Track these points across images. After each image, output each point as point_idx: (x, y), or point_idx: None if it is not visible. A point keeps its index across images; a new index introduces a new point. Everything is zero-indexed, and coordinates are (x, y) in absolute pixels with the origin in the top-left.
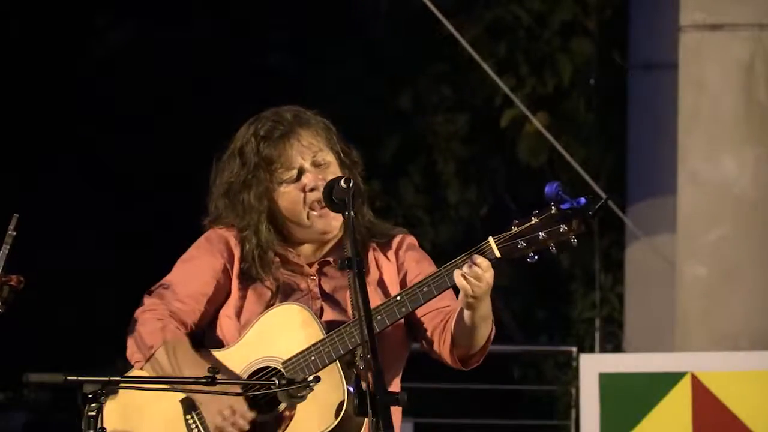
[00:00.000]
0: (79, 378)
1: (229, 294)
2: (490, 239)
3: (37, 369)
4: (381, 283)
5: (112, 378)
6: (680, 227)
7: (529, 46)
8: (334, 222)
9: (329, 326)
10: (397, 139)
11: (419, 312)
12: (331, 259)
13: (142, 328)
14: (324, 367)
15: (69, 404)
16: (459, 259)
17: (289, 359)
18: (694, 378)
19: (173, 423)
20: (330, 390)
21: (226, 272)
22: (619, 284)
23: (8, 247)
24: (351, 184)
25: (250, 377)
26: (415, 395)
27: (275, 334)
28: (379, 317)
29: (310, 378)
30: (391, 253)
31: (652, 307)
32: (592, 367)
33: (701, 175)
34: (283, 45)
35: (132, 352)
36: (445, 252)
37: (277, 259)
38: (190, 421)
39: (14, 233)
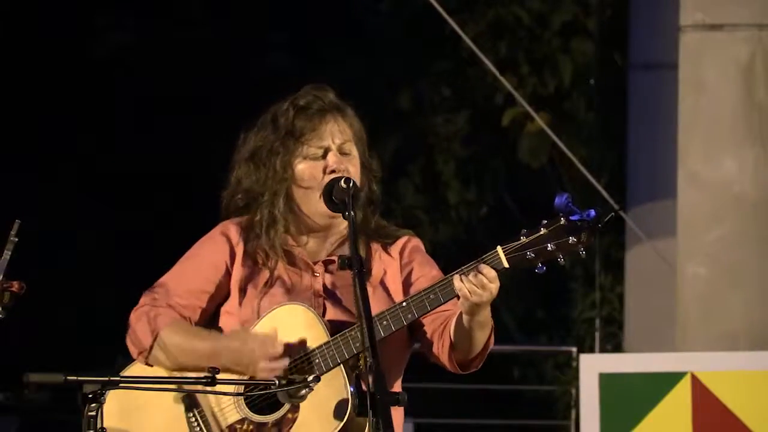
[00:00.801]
0: (79, 378)
1: (229, 292)
2: (499, 249)
3: (37, 369)
4: (383, 283)
5: (112, 378)
6: (680, 227)
7: (529, 46)
8: None
9: (332, 325)
10: (397, 139)
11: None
12: (336, 258)
13: (143, 319)
14: (329, 370)
15: (58, 406)
16: (467, 267)
17: (293, 361)
18: (694, 378)
19: (175, 421)
20: (334, 393)
21: (228, 270)
22: (619, 284)
23: (9, 253)
24: (351, 184)
25: (252, 377)
26: (415, 395)
27: (280, 333)
28: (384, 323)
29: (310, 378)
30: (395, 253)
31: (652, 307)
32: (592, 367)
33: (701, 176)
34: (283, 45)
35: (134, 340)
36: (446, 252)
37: (287, 237)
38: (192, 419)
39: (16, 239)
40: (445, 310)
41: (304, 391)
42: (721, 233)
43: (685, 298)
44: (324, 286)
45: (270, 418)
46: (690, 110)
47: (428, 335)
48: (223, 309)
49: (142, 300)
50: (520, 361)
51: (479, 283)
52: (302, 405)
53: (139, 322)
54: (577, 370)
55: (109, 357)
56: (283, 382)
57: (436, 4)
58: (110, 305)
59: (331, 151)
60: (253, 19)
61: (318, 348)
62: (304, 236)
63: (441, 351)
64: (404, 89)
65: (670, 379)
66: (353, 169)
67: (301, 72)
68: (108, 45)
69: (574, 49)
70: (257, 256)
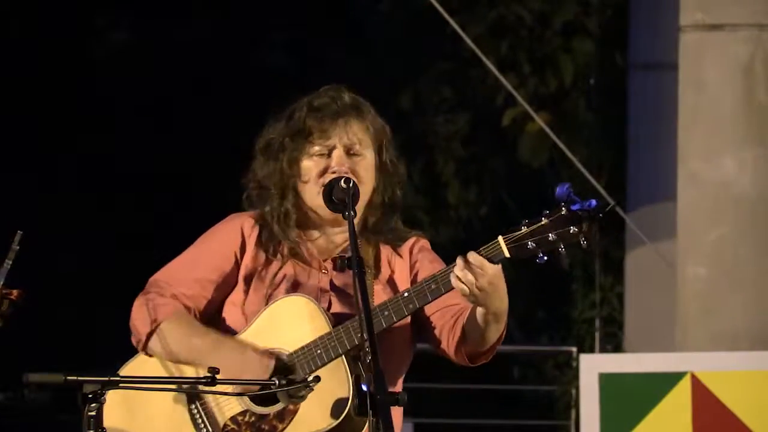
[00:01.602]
0: (79, 378)
1: (237, 283)
2: (500, 238)
3: (37, 369)
4: (392, 282)
5: (112, 378)
6: (680, 227)
7: (530, 46)
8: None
9: (337, 320)
10: (397, 139)
11: (429, 309)
12: (346, 256)
13: (144, 307)
14: (330, 361)
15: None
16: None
17: (295, 351)
18: (694, 378)
19: (177, 413)
20: (336, 386)
21: (237, 261)
22: (619, 284)
23: (10, 262)
24: (351, 184)
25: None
26: (415, 395)
27: (282, 324)
28: (386, 313)
29: (310, 378)
30: (404, 253)
31: (652, 307)
32: (592, 367)
33: (701, 175)
34: (283, 45)
35: (133, 328)
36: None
37: (298, 232)
38: (195, 411)
39: (17, 248)
40: (455, 304)
41: (304, 391)
42: (720, 233)
43: (685, 298)
44: (331, 282)
45: (272, 410)
46: (690, 110)
47: (438, 329)
48: (228, 299)
49: (148, 286)
50: (520, 361)
51: (472, 271)
52: None
53: (140, 311)
54: (577, 370)
55: (109, 357)
56: (283, 382)
57: (436, 4)
58: (110, 306)
59: (336, 151)
60: (252, 19)
61: (320, 338)
62: (315, 231)
63: (450, 344)
64: (404, 89)
65: (670, 379)
66: (362, 171)
67: (301, 72)
68: (108, 45)
69: (575, 48)
70: (267, 250)
